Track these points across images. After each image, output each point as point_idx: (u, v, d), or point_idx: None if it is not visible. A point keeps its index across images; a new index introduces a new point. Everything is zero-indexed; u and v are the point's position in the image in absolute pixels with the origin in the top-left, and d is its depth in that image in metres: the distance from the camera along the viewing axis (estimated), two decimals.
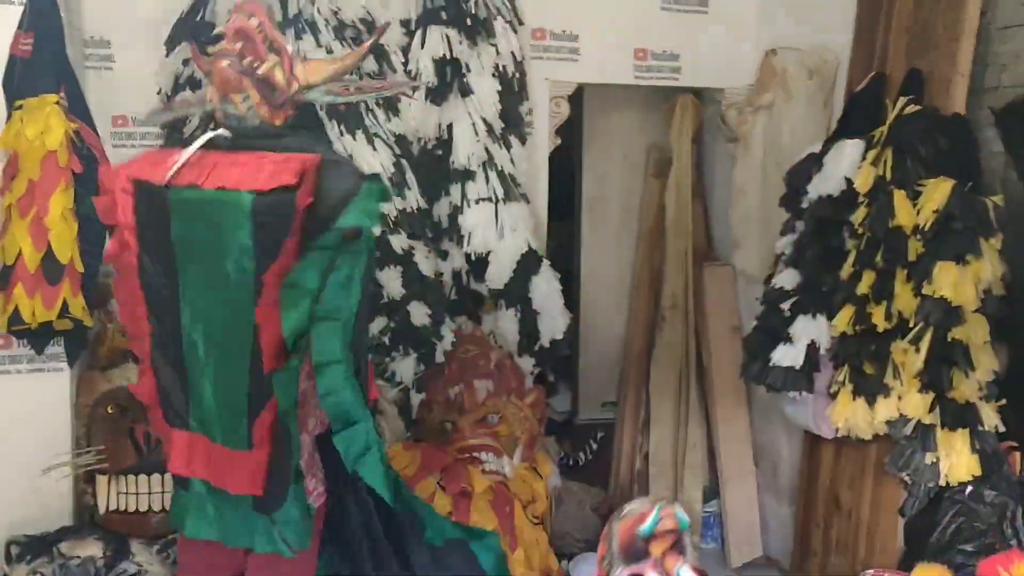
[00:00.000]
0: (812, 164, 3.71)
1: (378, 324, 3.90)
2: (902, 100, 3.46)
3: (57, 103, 3.27)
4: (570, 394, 5.76)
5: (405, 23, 4.19)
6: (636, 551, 1.92)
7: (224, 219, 2.23)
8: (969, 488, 3.21)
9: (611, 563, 1.89)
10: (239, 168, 2.25)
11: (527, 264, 4.22)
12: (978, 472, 3.18)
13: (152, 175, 2.35)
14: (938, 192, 3.22)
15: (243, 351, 2.27)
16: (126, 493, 3.40)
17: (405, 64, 4.14)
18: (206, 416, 2.37)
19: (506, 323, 4.27)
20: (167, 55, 4.06)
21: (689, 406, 4.95)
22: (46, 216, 3.18)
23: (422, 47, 4.14)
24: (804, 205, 3.72)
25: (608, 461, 5.15)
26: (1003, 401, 3.23)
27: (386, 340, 3.91)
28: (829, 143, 3.72)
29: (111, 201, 2.39)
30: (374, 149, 4.00)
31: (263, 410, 2.29)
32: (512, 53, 4.31)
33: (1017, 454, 3.23)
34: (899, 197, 3.31)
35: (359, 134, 3.97)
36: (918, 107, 3.42)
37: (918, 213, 3.27)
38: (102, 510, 3.41)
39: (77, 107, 3.40)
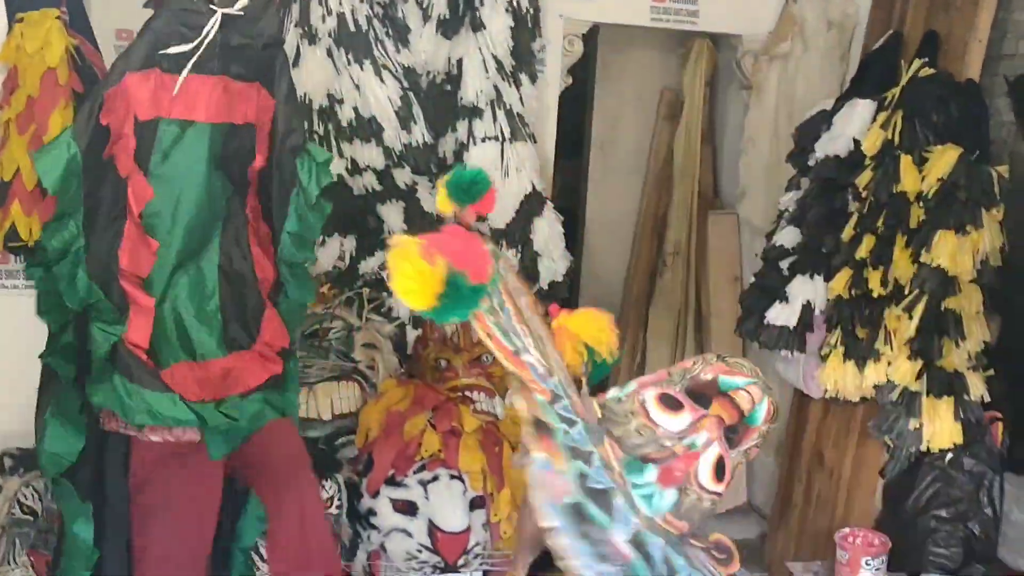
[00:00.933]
0: (822, 122, 3.68)
1: (378, 259, 3.92)
2: (917, 62, 3.41)
3: (58, 18, 3.23)
4: None
5: None
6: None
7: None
8: (950, 455, 3.25)
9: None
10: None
11: (530, 205, 4.22)
12: (960, 440, 3.21)
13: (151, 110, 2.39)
14: (944, 160, 3.20)
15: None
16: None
17: None
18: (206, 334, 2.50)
19: None
20: None
21: (685, 353, 4.99)
22: (45, 134, 3.16)
23: None
24: (811, 163, 3.69)
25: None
26: (991, 371, 3.25)
27: (384, 275, 3.93)
28: (841, 101, 3.68)
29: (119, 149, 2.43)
30: (382, 81, 3.97)
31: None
32: None
33: (1000, 424, 3.27)
34: (905, 163, 3.29)
35: (367, 64, 3.93)
36: (932, 70, 3.38)
37: (923, 180, 3.25)
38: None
39: (79, 22, 3.36)
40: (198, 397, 2.44)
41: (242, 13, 2.45)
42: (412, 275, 1.36)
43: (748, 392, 1.60)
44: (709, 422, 1.54)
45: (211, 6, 2.43)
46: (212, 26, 2.41)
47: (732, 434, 1.58)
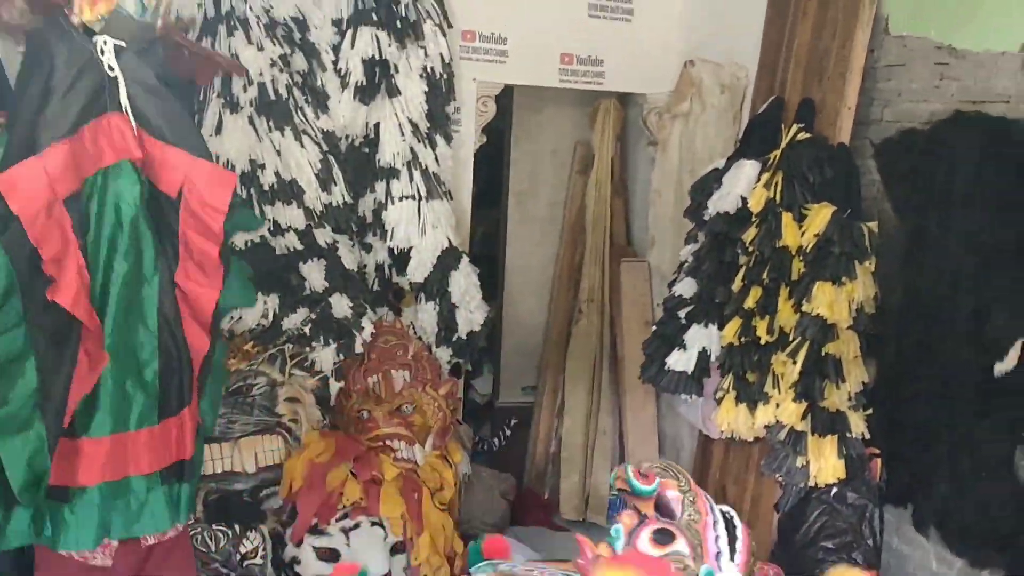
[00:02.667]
0: (714, 180, 3.94)
1: (300, 315, 4.08)
2: (795, 127, 3.70)
3: None
4: (492, 377, 5.99)
5: (337, 23, 4.32)
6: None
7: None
8: (834, 490, 3.50)
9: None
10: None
11: (447, 259, 4.42)
12: (843, 475, 3.46)
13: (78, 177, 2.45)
14: (820, 217, 3.48)
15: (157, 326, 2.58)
16: None
17: (335, 63, 4.28)
18: (120, 404, 2.54)
19: (425, 316, 4.47)
20: None
21: (601, 395, 5.23)
22: None
23: (352, 47, 4.27)
24: (705, 219, 3.95)
25: (521, 447, 5.40)
26: (870, 410, 3.51)
27: (307, 331, 4.09)
28: (731, 161, 3.95)
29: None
30: (302, 146, 4.14)
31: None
32: (441, 55, 4.47)
33: (878, 460, 3.53)
34: (786, 219, 3.56)
35: (287, 130, 4.10)
36: (809, 135, 3.66)
37: (802, 235, 3.52)
38: None
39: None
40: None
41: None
42: None
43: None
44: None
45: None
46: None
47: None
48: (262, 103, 4.05)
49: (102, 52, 2.47)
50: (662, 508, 2.18)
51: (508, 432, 5.35)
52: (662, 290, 4.95)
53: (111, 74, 2.47)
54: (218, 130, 4.01)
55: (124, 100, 2.49)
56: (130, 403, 2.56)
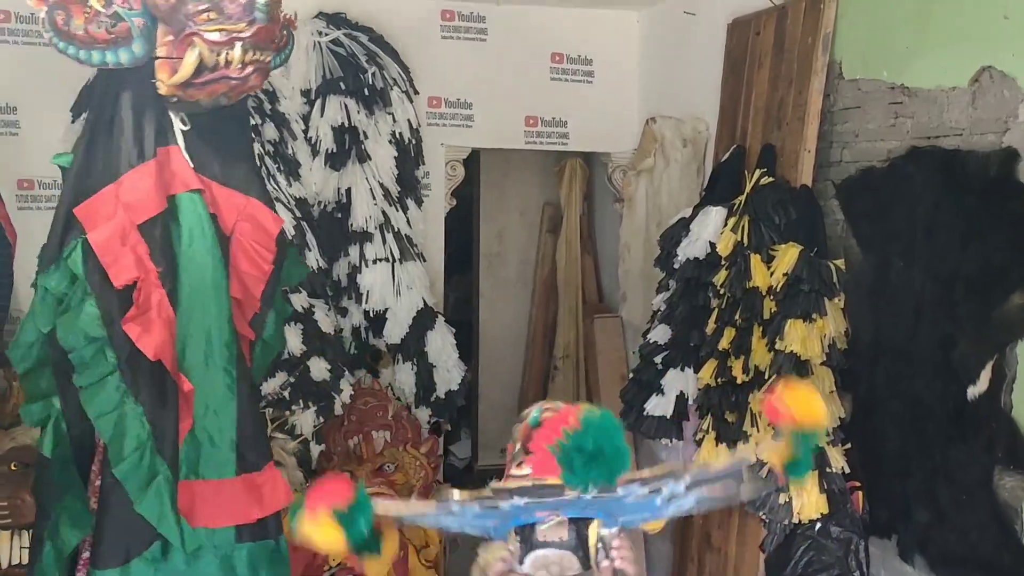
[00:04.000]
0: (682, 228, 4.03)
1: (279, 379, 4.09)
2: (758, 172, 3.81)
3: None
4: (470, 441, 6.00)
5: (305, 93, 4.43)
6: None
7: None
8: (819, 525, 3.52)
9: (517, 457, 2.09)
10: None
11: (422, 320, 4.47)
12: (826, 510, 3.49)
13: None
14: (787, 257, 3.56)
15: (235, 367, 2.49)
16: (29, 548, 3.51)
17: (305, 132, 4.37)
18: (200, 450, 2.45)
19: (403, 376, 4.50)
20: (73, 121, 4.23)
21: None
22: None
23: (321, 115, 4.39)
24: (675, 266, 4.03)
25: None
26: (848, 445, 3.56)
27: (286, 394, 4.10)
28: (697, 208, 4.05)
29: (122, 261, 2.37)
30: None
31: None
32: (408, 121, 4.59)
33: (860, 493, 3.56)
34: (755, 261, 3.64)
35: None
36: (771, 179, 3.77)
37: (771, 275, 3.60)
38: (4, 565, 3.52)
39: None
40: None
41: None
42: (320, 539, 1.76)
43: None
44: None
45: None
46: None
47: None
48: None
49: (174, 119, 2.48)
50: None
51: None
52: (635, 343, 5.02)
53: (184, 128, 2.49)
54: None
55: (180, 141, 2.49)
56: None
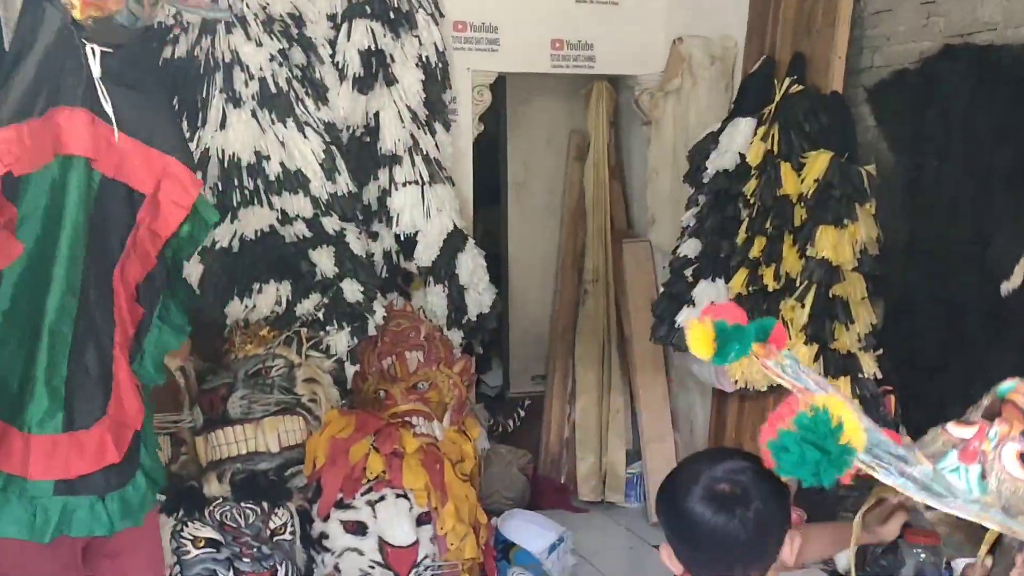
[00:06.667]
0: (711, 142, 4.03)
1: (312, 301, 4.13)
2: (788, 81, 3.79)
3: None
4: (501, 370, 6.04)
5: (331, 17, 4.42)
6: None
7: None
8: None
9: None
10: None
11: (453, 242, 4.49)
12: None
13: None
14: (818, 163, 3.56)
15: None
16: None
17: (332, 56, 4.37)
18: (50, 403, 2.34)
19: (435, 298, 4.53)
20: None
21: (612, 375, 5.27)
22: None
23: (348, 39, 4.37)
24: (704, 180, 4.03)
25: (536, 427, 5.44)
26: (880, 351, 3.57)
27: (320, 315, 4.14)
28: (726, 121, 4.04)
29: None
30: (305, 137, 4.21)
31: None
32: (435, 44, 4.57)
33: (892, 397, 3.58)
34: (785, 169, 3.64)
35: (290, 122, 4.17)
36: (801, 87, 3.75)
37: (802, 183, 3.60)
38: None
39: None
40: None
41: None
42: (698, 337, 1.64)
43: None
44: (999, 421, 1.72)
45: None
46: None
47: None
48: (264, 97, 4.13)
49: (92, 55, 2.40)
50: None
51: (522, 413, 5.38)
52: (664, 267, 5.03)
53: (95, 74, 2.40)
54: (222, 125, 4.07)
55: (105, 104, 2.42)
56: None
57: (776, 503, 1.58)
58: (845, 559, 3.49)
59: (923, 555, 3.39)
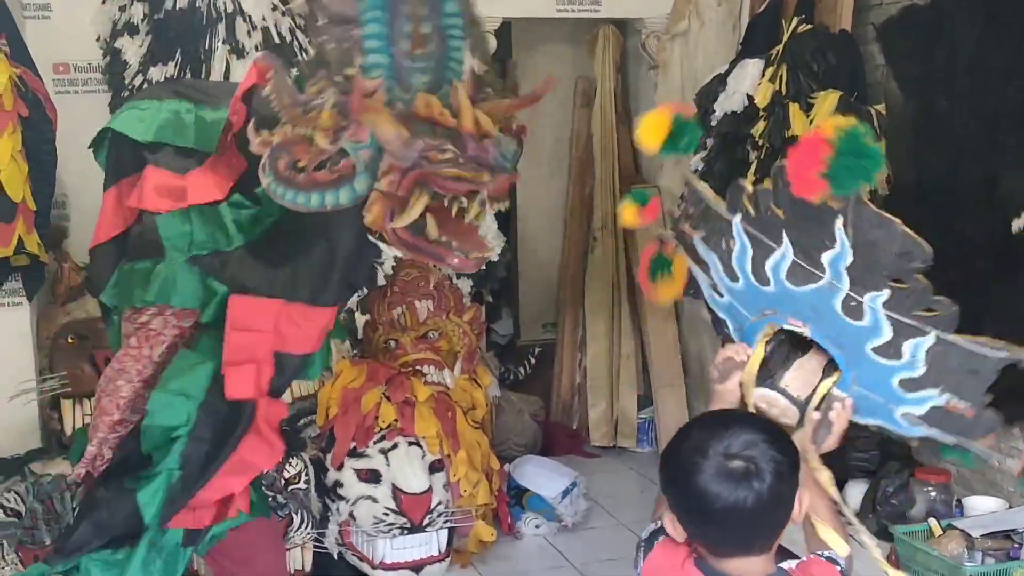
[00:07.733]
0: (718, 84, 3.99)
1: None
2: (795, 20, 3.74)
3: (0, 49, 3.43)
4: (512, 318, 6.05)
5: None
6: None
7: None
8: None
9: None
10: None
11: None
12: None
13: None
14: (827, 103, 3.52)
15: None
16: (91, 415, 3.63)
17: None
18: None
19: None
20: (103, 1, 4.22)
21: (622, 321, 5.28)
22: None
23: None
24: (712, 123, 4.00)
25: (547, 375, 5.46)
26: None
27: None
28: (733, 63, 3.99)
29: None
30: None
31: None
32: None
33: None
34: (794, 110, 3.60)
35: (293, 72, 4.15)
36: (809, 26, 3.70)
37: (811, 123, 3.56)
38: (68, 432, 3.65)
39: (19, 54, 3.55)
40: None
41: None
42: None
43: None
44: None
45: None
46: None
47: None
48: (267, 47, 4.11)
49: None
50: None
51: (533, 361, 5.40)
52: (673, 213, 5.00)
53: None
54: (226, 76, 4.06)
55: None
56: None
57: (789, 472, 1.56)
58: (855, 501, 3.52)
59: (933, 493, 3.41)
